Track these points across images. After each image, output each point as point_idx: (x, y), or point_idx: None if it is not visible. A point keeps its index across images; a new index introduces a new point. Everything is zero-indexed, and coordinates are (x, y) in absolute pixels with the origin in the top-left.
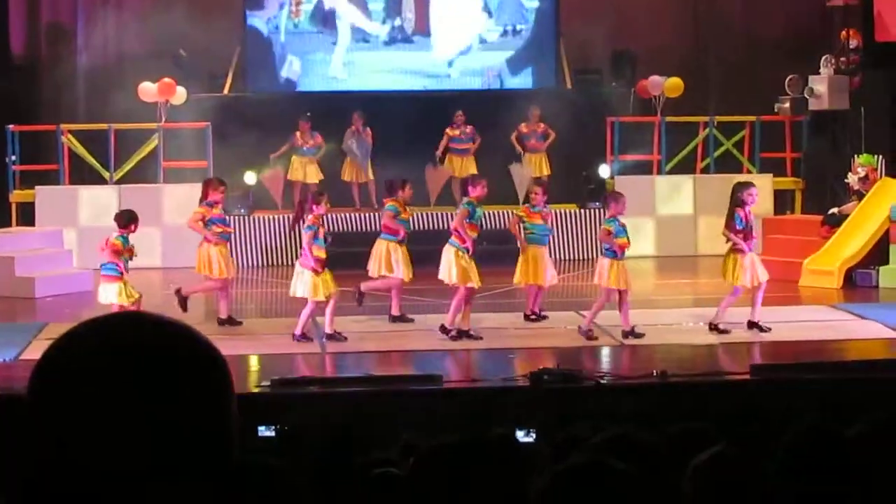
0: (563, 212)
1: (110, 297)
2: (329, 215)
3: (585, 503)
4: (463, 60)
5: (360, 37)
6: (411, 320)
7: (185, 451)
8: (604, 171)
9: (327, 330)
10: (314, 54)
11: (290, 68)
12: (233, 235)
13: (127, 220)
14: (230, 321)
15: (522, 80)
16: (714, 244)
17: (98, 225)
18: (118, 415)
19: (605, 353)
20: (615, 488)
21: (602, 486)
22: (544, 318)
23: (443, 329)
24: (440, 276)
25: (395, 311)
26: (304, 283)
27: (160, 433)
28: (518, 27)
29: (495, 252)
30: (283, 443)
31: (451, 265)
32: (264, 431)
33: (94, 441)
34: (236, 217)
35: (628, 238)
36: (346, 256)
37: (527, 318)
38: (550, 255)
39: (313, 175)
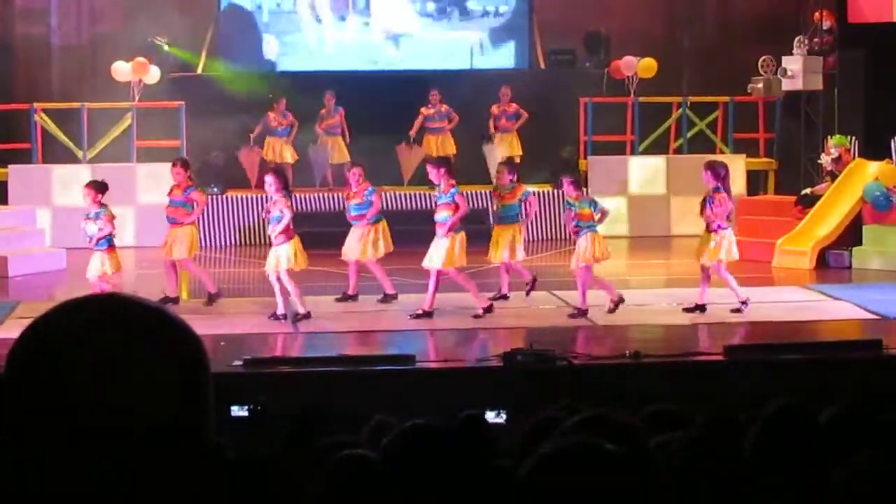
0: (535, 192)
1: (105, 267)
2: (304, 195)
3: (575, 485)
4: (440, 39)
5: (338, 15)
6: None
7: (161, 432)
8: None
9: (284, 311)
10: (293, 34)
11: (270, 47)
12: (206, 214)
13: (105, 187)
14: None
15: (504, 60)
16: (687, 224)
17: (71, 204)
18: (94, 395)
19: (579, 333)
20: (605, 470)
21: (592, 468)
22: (505, 298)
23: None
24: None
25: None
26: (289, 253)
27: (136, 413)
28: (501, 8)
29: (467, 232)
30: (255, 422)
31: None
32: (237, 411)
33: (69, 421)
34: (209, 196)
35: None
36: (321, 237)
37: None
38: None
39: (288, 156)
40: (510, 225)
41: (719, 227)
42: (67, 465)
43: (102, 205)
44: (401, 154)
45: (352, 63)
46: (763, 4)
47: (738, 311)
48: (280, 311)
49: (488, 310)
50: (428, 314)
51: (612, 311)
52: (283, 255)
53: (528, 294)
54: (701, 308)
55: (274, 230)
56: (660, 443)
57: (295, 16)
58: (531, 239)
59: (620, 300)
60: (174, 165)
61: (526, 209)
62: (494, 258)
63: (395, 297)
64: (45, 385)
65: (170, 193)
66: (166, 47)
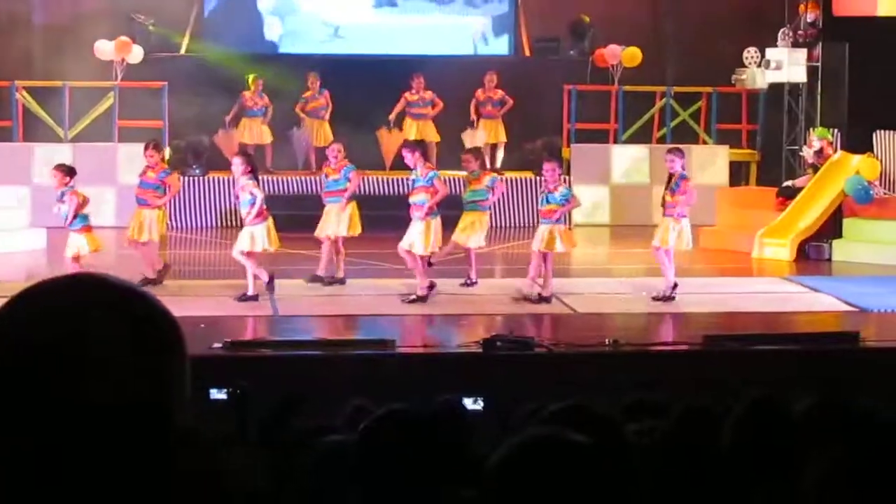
0: (517, 179)
1: (82, 247)
2: (286, 178)
3: (543, 476)
4: (429, 25)
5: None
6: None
7: (135, 415)
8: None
9: (255, 292)
10: (293, 16)
11: (272, 30)
12: (187, 196)
13: (73, 171)
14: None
15: (503, 48)
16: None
17: (51, 183)
18: (67, 377)
19: (559, 321)
20: (574, 462)
21: (560, 460)
22: (473, 284)
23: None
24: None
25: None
26: (263, 234)
27: (110, 396)
28: None
29: (444, 217)
30: (234, 406)
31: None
32: (216, 394)
33: (41, 402)
34: (190, 178)
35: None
36: (303, 219)
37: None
38: (505, 223)
39: (265, 136)
40: (475, 212)
41: (679, 214)
42: (38, 446)
43: (69, 185)
44: (382, 139)
45: (347, 47)
46: None
47: (664, 299)
48: (250, 291)
49: (431, 287)
50: (422, 298)
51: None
52: (258, 236)
53: (463, 286)
54: (669, 295)
55: (249, 213)
56: (636, 432)
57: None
58: (511, 226)
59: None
60: (147, 148)
61: (491, 195)
62: (462, 242)
63: (322, 281)
64: (17, 366)
65: (142, 175)
66: (151, 27)
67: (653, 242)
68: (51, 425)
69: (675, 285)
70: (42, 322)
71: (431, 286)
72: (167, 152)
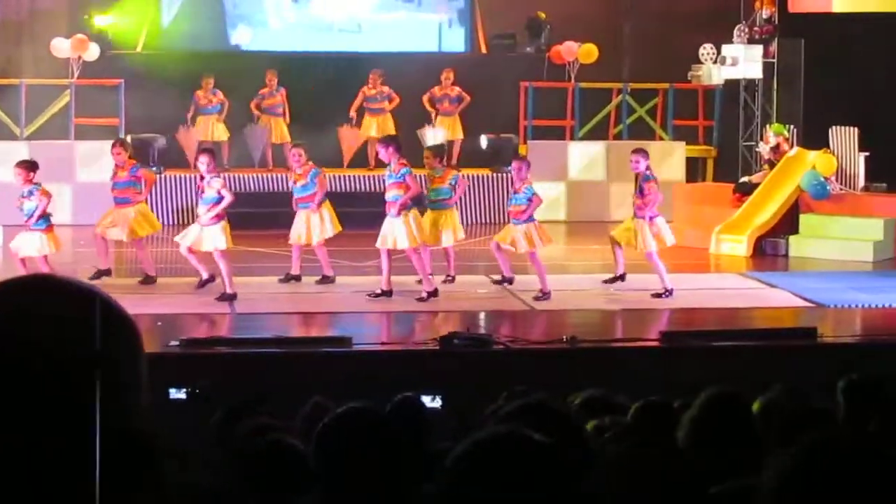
0: (474, 176)
1: (43, 247)
2: (242, 176)
3: (501, 472)
4: (385, 21)
5: None
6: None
7: (97, 411)
8: (483, 141)
9: (208, 276)
10: (257, 14)
11: (236, 28)
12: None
13: (35, 165)
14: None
15: (455, 43)
16: (626, 210)
17: (7, 180)
18: (24, 377)
19: (517, 317)
20: (532, 459)
21: (518, 457)
22: (451, 280)
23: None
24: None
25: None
26: (218, 234)
27: (67, 396)
28: None
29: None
30: (193, 405)
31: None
32: (175, 393)
33: (5, 400)
34: None
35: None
36: (260, 217)
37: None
38: (462, 220)
39: (220, 133)
40: (441, 210)
41: (651, 216)
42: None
43: (35, 183)
44: (342, 136)
45: (309, 44)
46: None
47: (658, 296)
48: (205, 276)
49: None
50: (387, 293)
51: (538, 298)
52: (216, 237)
53: (445, 282)
54: (621, 277)
55: (210, 211)
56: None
57: None
58: (468, 223)
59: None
60: (114, 146)
61: (455, 192)
62: (432, 241)
63: (332, 280)
64: None
65: (114, 176)
66: (101, 23)
67: (640, 249)
68: (5, 426)
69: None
70: (7, 321)
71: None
72: None
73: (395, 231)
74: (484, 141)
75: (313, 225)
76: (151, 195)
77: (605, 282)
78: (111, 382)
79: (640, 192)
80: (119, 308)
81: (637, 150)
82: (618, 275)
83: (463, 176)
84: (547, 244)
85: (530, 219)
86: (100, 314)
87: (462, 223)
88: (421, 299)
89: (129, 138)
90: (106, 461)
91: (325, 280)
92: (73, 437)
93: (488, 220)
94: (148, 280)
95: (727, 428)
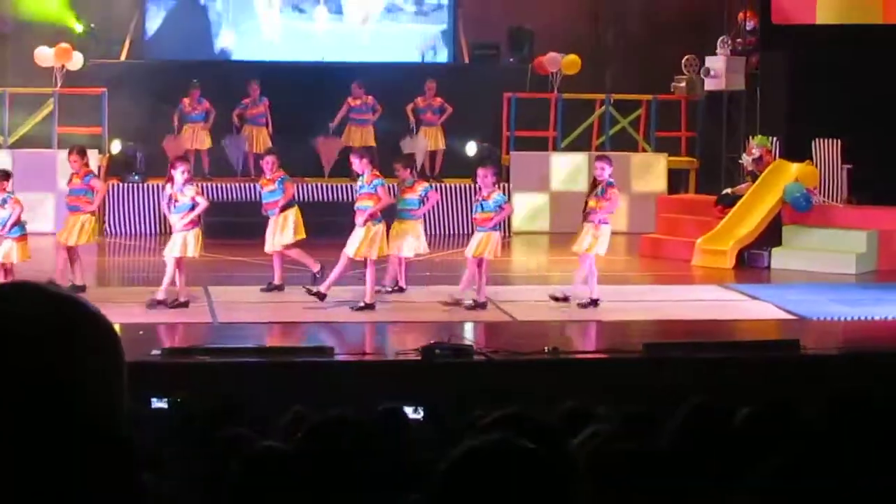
0: (456, 186)
1: (13, 255)
2: (222, 184)
3: (492, 480)
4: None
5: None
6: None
7: (73, 423)
8: (470, 148)
9: (186, 298)
10: (247, 23)
11: (223, 37)
12: (127, 203)
13: (8, 175)
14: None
15: (438, 54)
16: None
17: None
18: (15, 385)
19: (498, 328)
20: (523, 467)
21: (510, 465)
22: (401, 290)
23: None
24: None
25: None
26: (190, 241)
27: (47, 404)
28: (442, 1)
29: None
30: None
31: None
32: (157, 403)
33: None
34: (130, 184)
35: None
36: (240, 226)
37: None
38: (444, 230)
39: (205, 142)
40: (407, 220)
41: (601, 220)
42: None
43: (8, 192)
44: (321, 146)
45: (293, 54)
46: (688, 3)
47: (586, 305)
48: (182, 297)
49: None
50: (369, 306)
51: (468, 307)
52: (190, 242)
53: (390, 291)
54: (594, 303)
55: (183, 218)
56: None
57: (248, 6)
58: (450, 233)
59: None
60: (70, 153)
61: (424, 204)
62: (390, 250)
63: (321, 271)
64: None
65: (69, 182)
66: (80, 28)
67: (577, 249)
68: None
69: (597, 300)
70: None
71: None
72: (104, 158)
73: (352, 238)
74: (473, 148)
75: (276, 230)
76: (133, 204)
77: (580, 305)
78: (93, 388)
79: (602, 194)
80: (97, 313)
81: (602, 157)
82: (592, 299)
83: (435, 189)
84: (499, 255)
85: (495, 227)
86: (79, 319)
87: (443, 234)
88: (360, 308)
89: (116, 147)
90: (88, 468)
91: (272, 288)
92: (55, 445)
93: (471, 232)
94: (78, 289)
95: (709, 439)
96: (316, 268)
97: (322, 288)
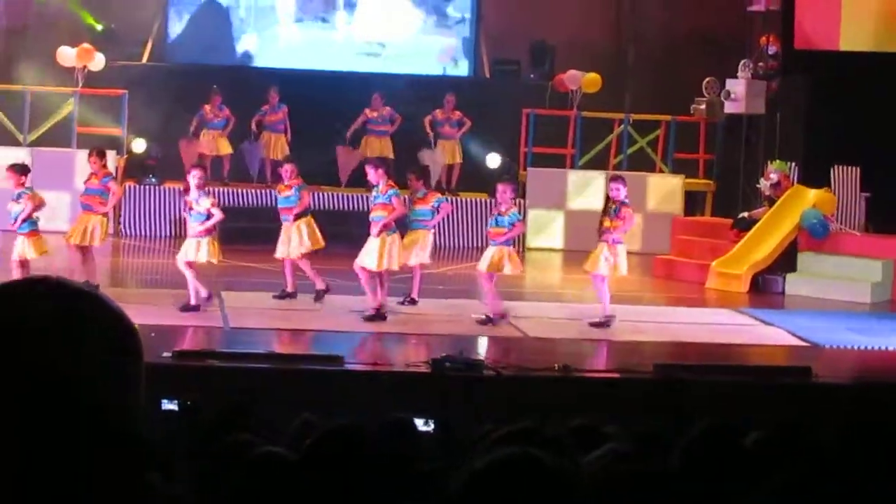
0: (473, 200)
1: (26, 251)
2: (240, 190)
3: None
4: (395, 43)
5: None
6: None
7: (91, 419)
8: (492, 159)
9: (196, 301)
10: (268, 30)
11: (246, 43)
12: (144, 205)
13: (26, 169)
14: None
15: (459, 68)
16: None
17: (6, 187)
18: (26, 380)
19: (509, 344)
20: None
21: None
22: (413, 302)
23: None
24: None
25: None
26: (206, 247)
27: (68, 399)
28: (465, 15)
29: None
30: (185, 417)
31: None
32: (167, 404)
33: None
34: (146, 186)
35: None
36: (257, 232)
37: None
38: (458, 243)
39: (223, 148)
40: (418, 230)
41: (615, 240)
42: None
43: (26, 187)
44: (340, 155)
45: (313, 63)
46: (710, 26)
47: (599, 325)
48: (193, 301)
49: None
50: (381, 316)
51: (482, 322)
52: (203, 247)
53: (402, 303)
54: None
55: (200, 226)
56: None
57: (271, 13)
58: (464, 247)
59: (504, 316)
60: (91, 154)
61: (436, 215)
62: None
63: (326, 291)
64: None
65: (87, 181)
66: (99, 27)
67: (589, 268)
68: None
69: (612, 316)
70: (5, 325)
71: (380, 308)
72: (122, 160)
73: (367, 249)
74: (495, 159)
75: (291, 238)
76: (149, 206)
77: (592, 324)
78: (111, 383)
79: (616, 214)
80: (117, 308)
81: (617, 178)
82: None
83: (448, 200)
84: (517, 271)
85: (507, 243)
86: (98, 314)
87: (456, 246)
88: (373, 317)
89: (140, 146)
90: (97, 464)
91: (320, 295)
92: (64, 439)
93: (481, 246)
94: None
95: (718, 461)
96: (321, 286)
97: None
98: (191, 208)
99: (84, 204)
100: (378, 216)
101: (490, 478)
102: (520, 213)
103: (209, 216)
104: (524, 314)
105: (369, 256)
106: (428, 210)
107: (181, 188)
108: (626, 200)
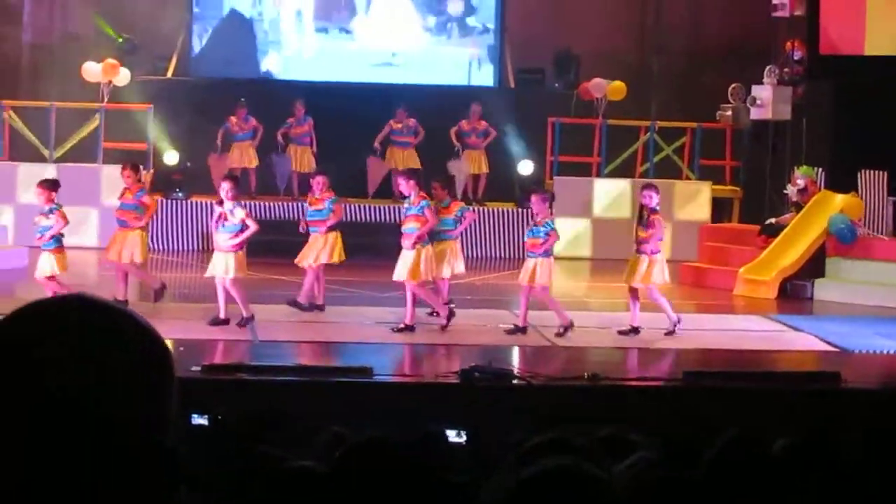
0: (499, 210)
1: (53, 267)
2: (267, 203)
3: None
4: (438, 55)
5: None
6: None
7: (123, 434)
8: (525, 167)
9: (226, 316)
10: (290, 44)
11: (268, 56)
12: (171, 219)
13: (57, 185)
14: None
15: (484, 77)
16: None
17: (35, 202)
18: (59, 397)
19: (538, 353)
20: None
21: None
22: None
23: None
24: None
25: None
26: (237, 262)
27: (100, 415)
28: (488, 25)
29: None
30: (215, 431)
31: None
32: (197, 419)
33: (33, 423)
34: (173, 201)
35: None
36: (284, 245)
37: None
38: (485, 253)
39: (252, 160)
40: (445, 241)
41: (653, 250)
42: (29, 464)
43: (56, 203)
44: (370, 166)
45: (338, 75)
46: (735, 32)
47: (671, 333)
48: (222, 315)
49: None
50: (410, 328)
51: (559, 335)
52: (231, 263)
53: (431, 314)
54: (635, 330)
55: (232, 239)
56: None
57: (295, 25)
58: (491, 257)
59: (570, 325)
60: (124, 169)
61: (460, 224)
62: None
63: (322, 307)
64: (10, 386)
65: (121, 196)
66: (120, 39)
67: (630, 282)
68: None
69: (679, 320)
70: (41, 341)
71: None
72: (149, 174)
73: (402, 262)
74: (528, 166)
75: (318, 248)
76: (176, 220)
77: (620, 332)
78: (141, 398)
79: (648, 224)
80: (150, 326)
81: (650, 186)
82: (632, 326)
83: (472, 209)
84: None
85: (546, 253)
86: (132, 331)
87: (484, 257)
88: (400, 330)
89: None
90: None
91: (313, 308)
92: (105, 455)
93: (514, 256)
94: (159, 294)
95: (746, 469)
96: (305, 300)
97: (407, 321)
98: (225, 219)
99: (119, 220)
100: (411, 228)
101: (534, 490)
102: (553, 222)
103: (244, 227)
104: (552, 323)
105: (404, 268)
106: (451, 220)
107: (214, 201)
108: (657, 207)
